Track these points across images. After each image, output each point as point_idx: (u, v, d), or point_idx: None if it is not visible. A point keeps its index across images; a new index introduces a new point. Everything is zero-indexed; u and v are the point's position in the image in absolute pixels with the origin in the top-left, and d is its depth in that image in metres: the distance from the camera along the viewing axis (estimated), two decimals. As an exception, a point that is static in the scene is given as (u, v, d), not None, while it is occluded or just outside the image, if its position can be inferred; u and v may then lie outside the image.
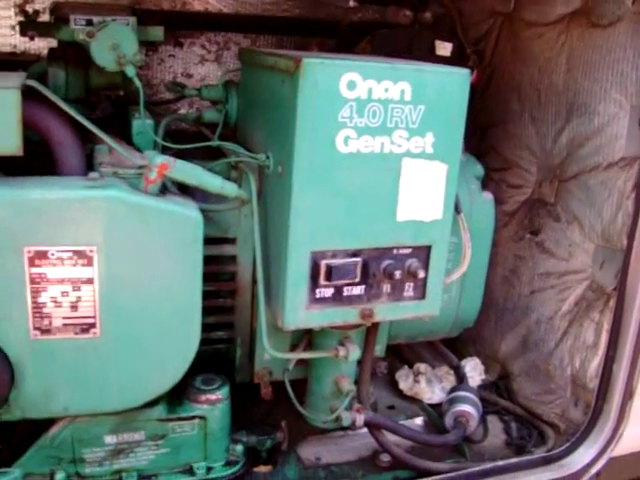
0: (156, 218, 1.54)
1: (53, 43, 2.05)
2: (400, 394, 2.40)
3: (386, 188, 1.68)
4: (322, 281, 1.69)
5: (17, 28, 2.24)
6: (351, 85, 1.56)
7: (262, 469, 1.98)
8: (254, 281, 1.89)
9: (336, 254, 1.69)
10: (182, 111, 2.58)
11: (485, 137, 2.57)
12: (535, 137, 2.33)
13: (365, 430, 2.11)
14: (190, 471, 1.84)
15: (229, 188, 1.66)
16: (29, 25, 1.96)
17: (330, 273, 1.68)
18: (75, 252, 1.51)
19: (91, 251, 1.51)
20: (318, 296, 1.70)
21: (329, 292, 1.71)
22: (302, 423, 2.13)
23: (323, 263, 1.67)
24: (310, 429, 2.14)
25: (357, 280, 1.72)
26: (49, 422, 1.74)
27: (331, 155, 1.60)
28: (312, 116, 1.56)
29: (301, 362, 2.03)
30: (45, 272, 1.51)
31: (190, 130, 2.16)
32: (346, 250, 1.69)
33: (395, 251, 1.74)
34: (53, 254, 1.50)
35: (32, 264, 1.50)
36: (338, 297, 1.72)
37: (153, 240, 1.55)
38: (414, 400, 2.37)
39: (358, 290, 1.74)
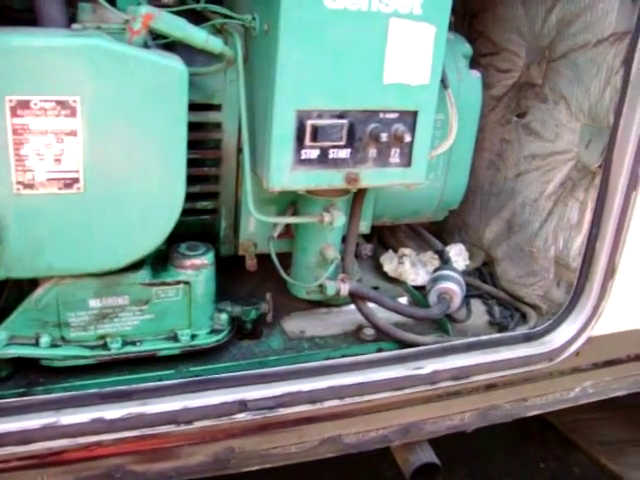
0: (140, 69, 1.51)
1: None
2: (384, 276, 2.42)
3: (373, 49, 1.66)
4: (308, 142, 1.67)
5: None
6: (339, -63, 1.53)
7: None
8: (239, 150, 1.88)
9: (322, 114, 1.67)
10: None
11: (474, 23, 2.54)
12: (524, 18, 2.30)
13: (349, 307, 2.15)
14: (174, 338, 1.85)
15: (214, 42, 1.62)
16: None
17: (316, 133, 1.67)
18: (58, 102, 1.48)
19: (74, 101, 1.49)
20: (304, 157, 1.69)
21: (315, 153, 1.70)
22: (287, 299, 2.15)
23: (309, 123, 1.66)
24: (295, 305, 2.16)
25: (343, 143, 1.71)
26: (34, 286, 1.74)
27: (318, 11, 1.57)
28: (299, -30, 1.53)
29: (286, 235, 2.03)
30: (28, 123, 1.48)
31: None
32: (332, 111, 1.68)
33: (382, 115, 1.73)
34: (36, 104, 1.47)
35: (14, 114, 1.47)
36: (324, 159, 1.71)
37: (138, 92, 1.52)
38: (398, 282, 2.39)
39: (344, 153, 1.73)
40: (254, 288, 2.18)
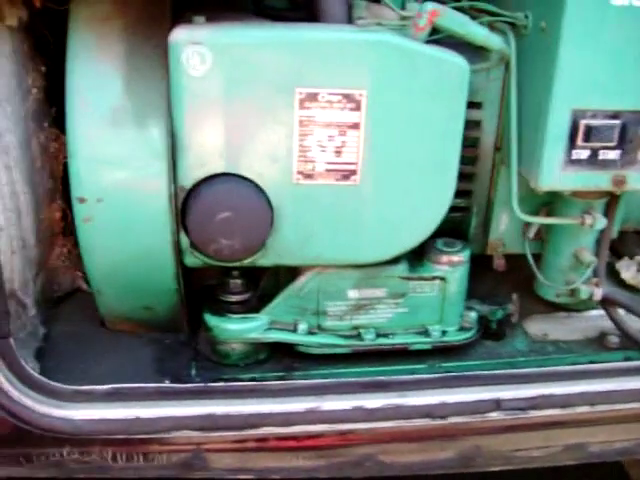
0: (426, 64, 1.54)
1: None
2: (621, 284, 2.34)
3: (656, 48, 1.61)
4: (579, 142, 1.65)
5: None
6: None
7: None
8: (496, 148, 1.88)
9: (596, 114, 1.64)
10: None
11: None
12: None
13: (590, 313, 2.10)
14: (425, 333, 1.86)
15: (494, 39, 1.64)
16: None
17: (589, 134, 1.63)
18: (345, 95, 1.53)
19: (360, 95, 1.53)
20: (574, 157, 1.66)
21: (585, 154, 1.67)
22: (526, 300, 2.11)
23: (582, 123, 1.63)
24: (534, 307, 2.13)
25: (614, 144, 1.67)
26: (291, 274, 1.79)
27: (602, 8, 1.54)
28: (587, -36, 1.51)
29: (535, 237, 2.00)
30: (314, 115, 1.54)
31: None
32: (606, 111, 1.64)
33: (655, 117, 1.68)
34: (323, 96, 1.53)
35: (302, 106, 1.53)
36: (593, 160, 1.68)
37: (420, 87, 1.55)
38: (636, 290, 2.31)
39: (613, 155, 1.68)
40: (497, 284, 2.16)
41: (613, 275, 2.35)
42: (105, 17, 1.61)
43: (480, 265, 2.07)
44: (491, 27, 1.77)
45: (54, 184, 1.92)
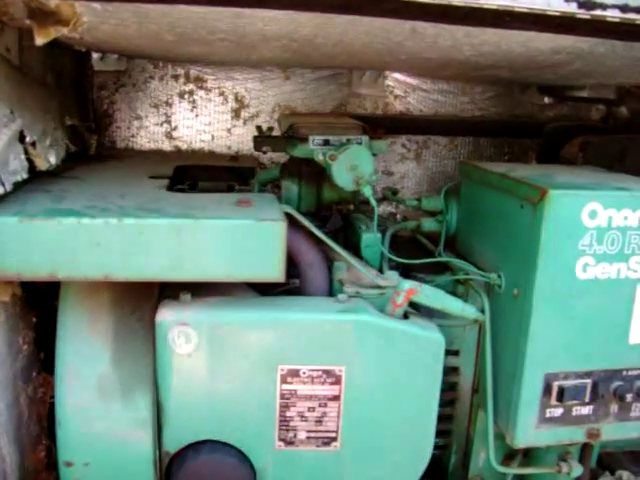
0: (402, 341, 1.61)
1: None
2: (603, 499, 2.36)
3: (620, 312, 1.69)
4: (553, 401, 1.71)
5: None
6: (592, 214, 1.60)
7: None
8: (474, 391, 1.93)
9: (568, 375, 1.70)
10: (399, 218, 2.60)
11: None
12: None
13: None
14: None
15: (469, 311, 1.72)
16: (264, 141, 2.06)
17: (562, 394, 1.70)
18: (325, 371, 1.59)
19: (340, 370, 1.59)
20: (548, 416, 1.72)
21: (559, 412, 1.73)
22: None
23: (555, 384, 1.70)
24: None
25: (586, 400, 1.73)
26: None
27: (570, 281, 1.63)
28: (554, 244, 1.60)
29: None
30: (295, 389, 1.60)
31: (403, 234, 2.22)
32: (577, 372, 1.71)
33: (625, 372, 1.75)
34: (304, 372, 1.59)
35: (284, 381, 1.59)
36: (567, 417, 1.74)
37: (397, 360, 1.62)
38: (614, 509, 2.33)
39: (586, 410, 1.74)
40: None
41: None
42: (95, 287, 1.67)
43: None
44: (466, 283, 1.85)
45: (40, 427, 1.95)
